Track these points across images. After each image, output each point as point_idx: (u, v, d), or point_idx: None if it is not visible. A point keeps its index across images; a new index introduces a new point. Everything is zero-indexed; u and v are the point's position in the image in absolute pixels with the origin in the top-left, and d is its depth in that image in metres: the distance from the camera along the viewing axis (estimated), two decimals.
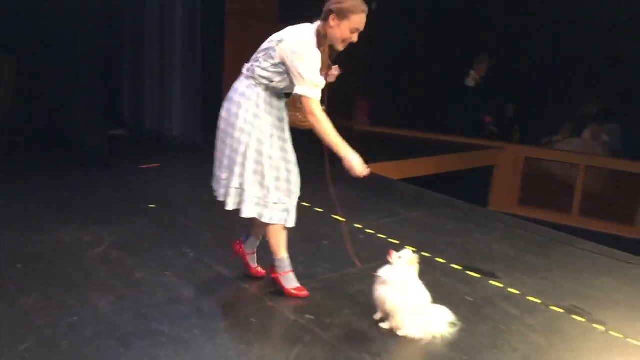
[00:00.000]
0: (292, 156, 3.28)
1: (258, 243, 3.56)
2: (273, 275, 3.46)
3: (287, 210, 3.26)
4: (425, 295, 3.09)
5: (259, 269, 3.60)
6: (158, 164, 6.05)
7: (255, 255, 3.59)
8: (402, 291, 3.04)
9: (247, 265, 3.58)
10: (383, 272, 3.11)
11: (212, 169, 3.36)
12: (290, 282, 3.45)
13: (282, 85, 3.15)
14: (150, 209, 4.78)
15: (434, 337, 3.07)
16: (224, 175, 3.26)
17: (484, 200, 8.41)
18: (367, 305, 3.26)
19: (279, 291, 3.43)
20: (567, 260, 4.42)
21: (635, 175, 8.05)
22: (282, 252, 3.40)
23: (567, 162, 8.49)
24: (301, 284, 3.47)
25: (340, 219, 4.00)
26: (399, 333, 3.07)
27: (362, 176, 3.07)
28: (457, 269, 4.08)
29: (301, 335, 3.07)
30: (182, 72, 7.04)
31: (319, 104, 3.06)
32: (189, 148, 6.93)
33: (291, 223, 3.30)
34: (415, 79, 9.37)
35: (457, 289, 3.78)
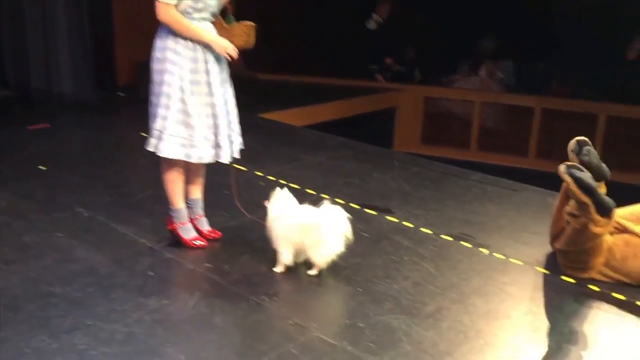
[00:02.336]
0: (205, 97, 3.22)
1: (201, 204, 3.53)
2: (169, 227, 3.45)
3: (185, 146, 3.21)
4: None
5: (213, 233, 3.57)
6: (48, 125, 5.76)
7: (204, 218, 3.56)
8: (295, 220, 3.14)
9: (198, 232, 3.52)
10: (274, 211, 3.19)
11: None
12: (188, 232, 3.44)
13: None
14: (40, 170, 4.58)
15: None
16: None
17: (388, 141, 8.63)
18: (266, 250, 3.32)
19: (177, 242, 3.42)
20: (457, 192, 4.65)
21: (528, 108, 8.48)
22: (178, 202, 3.38)
23: (463, 100, 8.80)
24: None
25: (238, 167, 4.00)
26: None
27: (234, 56, 3.13)
28: (355, 207, 4.20)
29: (200, 283, 3.10)
30: (68, 31, 6.69)
31: (169, 7, 3.03)
32: (82, 106, 6.63)
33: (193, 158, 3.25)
34: (316, 23, 9.33)
35: (355, 226, 3.89)
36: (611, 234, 3.22)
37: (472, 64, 9.79)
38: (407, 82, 9.37)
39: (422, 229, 3.90)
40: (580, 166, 3.17)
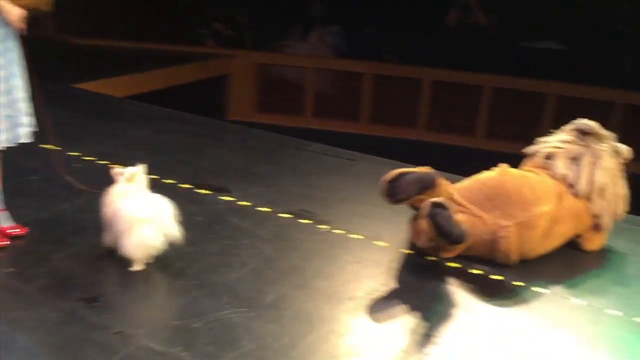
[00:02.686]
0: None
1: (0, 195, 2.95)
2: None
3: None
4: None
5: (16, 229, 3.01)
6: None
7: (5, 212, 2.98)
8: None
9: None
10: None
11: None
12: None
13: None
14: None
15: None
16: None
17: (221, 111, 8.25)
18: (82, 244, 2.87)
19: None
20: (295, 165, 4.48)
21: (358, 74, 8.56)
22: None
23: (296, 66, 8.66)
24: None
25: (54, 147, 3.44)
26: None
27: (20, 25, 2.67)
28: (186, 188, 3.84)
29: None
30: None
31: None
32: None
33: None
34: None
35: (187, 209, 3.53)
36: (462, 212, 3.22)
37: (303, 29, 9.67)
38: (238, 47, 8.99)
39: (260, 208, 3.66)
40: (445, 203, 3.00)
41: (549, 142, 3.56)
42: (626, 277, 3.19)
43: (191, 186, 3.88)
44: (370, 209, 3.71)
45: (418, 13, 8.77)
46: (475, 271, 3.12)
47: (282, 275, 2.94)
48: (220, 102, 8.29)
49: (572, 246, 3.38)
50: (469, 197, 3.24)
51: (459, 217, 3.11)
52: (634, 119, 7.76)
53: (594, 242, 3.40)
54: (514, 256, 3.11)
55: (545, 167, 3.45)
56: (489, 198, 3.20)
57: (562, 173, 3.37)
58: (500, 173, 3.28)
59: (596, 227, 3.39)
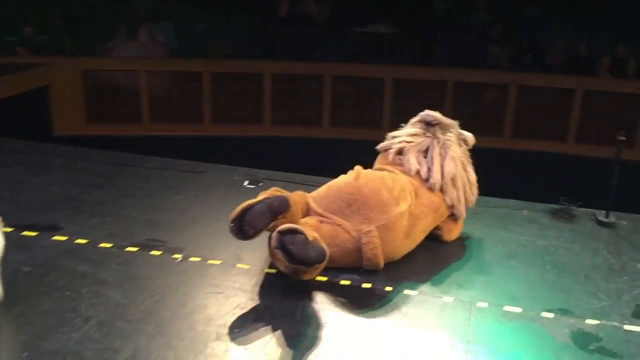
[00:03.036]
0: None
1: None
2: None
3: None
4: None
5: None
6: None
7: None
8: None
9: None
10: None
11: None
12: None
13: None
14: None
15: None
16: None
17: (46, 126, 7.43)
18: None
19: None
20: (136, 186, 4.04)
21: (195, 73, 8.15)
22: None
23: (126, 70, 8.05)
24: None
25: None
26: None
27: None
28: (6, 232, 3.28)
29: None
30: None
31: None
32: None
33: None
34: None
35: (10, 259, 3.01)
36: (321, 222, 3.04)
37: (129, 28, 9.02)
38: (57, 54, 8.14)
39: (101, 244, 3.22)
40: (295, 228, 2.74)
41: (398, 136, 3.51)
42: (486, 263, 3.23)
43: (12, 229, 3.31)
44: (225, 227, 3.42)
45: (251, 5, 8.53)
46: (344, 282, 2.97)
47: (135, 324, 2.57)
48: (43, 117, 7.46)
49: (432, 238, 3.37)
50: (328, 206, 3.09)
51: (317, 231, 2.96)
52: (462, 94, 8.23)
53: (452, 232, 3.42)
54: (380, 261, 3.02)
55: (398, 164, 3.40)
56: (347, 204, 3.06)
57: (415, 168, 3.34)
58: (355, 177, 3.15)
59: (452, 217, 3.42)
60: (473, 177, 3.47)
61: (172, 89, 8.29)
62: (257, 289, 2.91)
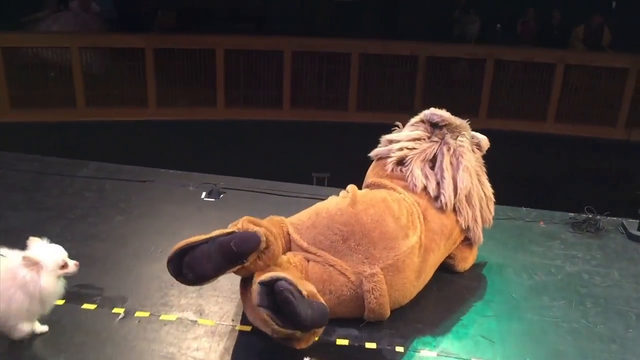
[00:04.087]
0: None
1: None
2: None
3: None
4: None
5: None
6: None
7: None
8: None
9: None
10: None
11: None
12: None
13: None
14: None
15: None
16: None
17: None
18: None
19: None
20: (65, 203, 3.21)
21: (138, 50, 7.18)
22: None
23: (56, 47, 7.01)
24: None
25: None
26: None
27: None
28: None
29: None
30: None
31: None
32: None
33: None
34: None
35: None
36: (308, 260, 2.33)
37: None
38: None
39: None
40: (286, 278, 2.05)
41: (397, 140, 2.81)
42: (515, 304, 2.58)
43: None
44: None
45: None
46: (341, 341, 2.28)
47: None
48: None
49: (442, 268, 2.71)
50: (316, 239, 2.37)
51: (303, 273, 2.26)
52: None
53: (467, 261, 2.76)
54: (387, 311, 2.34)
55: (398, 177, 2.70)
56: (343, 238, 2.35)
57: (421, 184, 2.64)
58: (351, 202, 2.43)
59: (466, 242, 2.76)
60: (489, 190, 2.81)
61: (110, 67, 7.28)
62: (227, 357, 2.19)
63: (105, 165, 3.68)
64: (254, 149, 6.92)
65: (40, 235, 2.84)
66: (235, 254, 2.15)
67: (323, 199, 3.26)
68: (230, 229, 2.25)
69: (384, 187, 2.66)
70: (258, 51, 7.26)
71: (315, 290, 2.12)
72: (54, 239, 2.83)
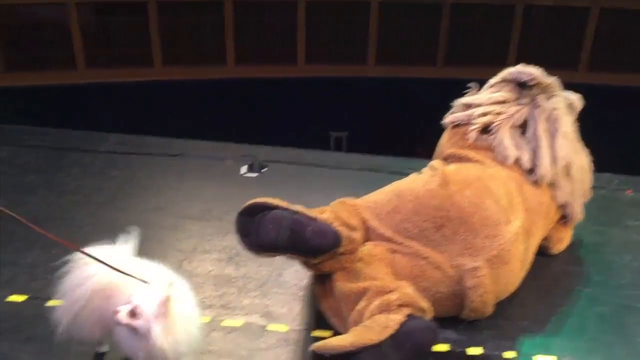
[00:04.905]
0: None
1: None
2: None
3: None
4: None
5: None
6: None
7: None
8: None
9: None
10: None
11: None
12: None
13: None
14: None
15: None
16: None
17: None
18: None
19: None
20: (85, 183, 2.83)
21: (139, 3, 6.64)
22: None
23: (53, 3, 6.46)
24: None
25: None
26: None
27: None
28: None
29: None
30: None
31: None
32: None
33: None
34: None
35: None
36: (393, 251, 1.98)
37: None
38: None
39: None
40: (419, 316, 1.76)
41: (477, 104, 2.41)
42: (626, 291, 2.25)
43: None
44: (239, 257, 2.32)
45: None
46: (439, 347, 1.94)
47: None
48: None
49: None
50: (401, 227, 2.00)
51: (390, 266, 1.92)
52: None
53: (563, 242, 2.41)
54: (490, 309, 2.00)
55: (484, 148, 2.32)
56: (436, 226, 1.99)
57: (513, 155, 2.26)
58: (441, 182, 2.06)
59: (564, 220, 2.40)
60: (586, 159, 2.43)
61: (111, 24, 6.75)
62: None
63: (127, 138, 3.27)
64: (270, 107, 6.49)
65: (66, 223, 2.47)
66: (305, 244, 1.84)
67: (379, 173, 2.90)
68: (315, 212, 1.91)
69: (468, 160, 2.28)
70: (269, 2, 6.74)
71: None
72: (82, 228, 2.47)
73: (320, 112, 6.65)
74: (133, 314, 1.52)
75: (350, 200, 2.13)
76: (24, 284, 2.17)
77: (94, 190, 2.77)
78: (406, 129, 6.01)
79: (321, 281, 2.03)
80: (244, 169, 3.01)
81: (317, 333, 1.99)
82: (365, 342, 1.64)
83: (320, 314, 2.04)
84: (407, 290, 1.79)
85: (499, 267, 1.97)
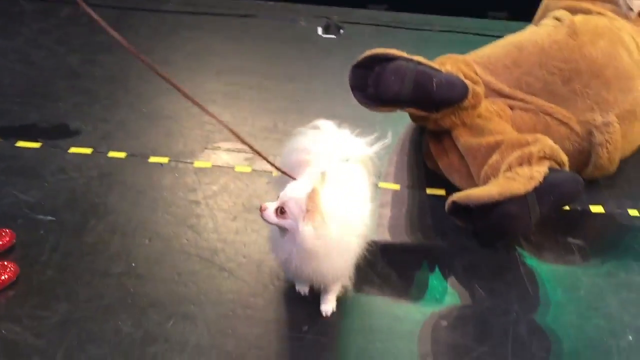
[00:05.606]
0: None
1: None
2: None
3: None
4: None
5: None
6: None
7: None
8: None
9: None
10: None
11: None
12: None
13: None
14: None
15: None
16: None
17: None
18: None
19: None
20: (159, 47, 2.68)
21: None
22: None
23: None
24: None
25: None
26: None
27: None
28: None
29: None
30: None
31: None
32: None
33: None
34: None
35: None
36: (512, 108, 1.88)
37: None
38: None
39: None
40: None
41: None
42: None
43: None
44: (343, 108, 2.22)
45: None
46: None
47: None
48: None
49: None
50: (522, 82, 1.89)
51: (511, 123, 1.84)
52: None
53: None
54: (615, 166, 1.92)
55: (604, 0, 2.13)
56: (564, 79, 1.87)
57: (638, 8, 2.08)
58: (569, 32, 1.90)
59: None
60: None
61: None
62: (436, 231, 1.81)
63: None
64: None
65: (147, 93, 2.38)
66: (431, 96, 1.72)
67: (466, 35, 2.75)
68: (435, 64, 1.80)
69: (588, 12, 2.10)
70: None
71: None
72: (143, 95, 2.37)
73: None
74: (282, 211, 1.30)
75: (461, 56, 1.99)
76: (120, 141, 2.11)
77: (171, 52, 2.63)
78: None
79: (436, 139, 1.94)
80: (320, 30, 2.84)
81: (431, 191, 1.94)
82: (513, 192, 1.58)
83: (431, 173, 1.99)
84: (549, 142, 1.70)
85: (630, 123, 1.87)
